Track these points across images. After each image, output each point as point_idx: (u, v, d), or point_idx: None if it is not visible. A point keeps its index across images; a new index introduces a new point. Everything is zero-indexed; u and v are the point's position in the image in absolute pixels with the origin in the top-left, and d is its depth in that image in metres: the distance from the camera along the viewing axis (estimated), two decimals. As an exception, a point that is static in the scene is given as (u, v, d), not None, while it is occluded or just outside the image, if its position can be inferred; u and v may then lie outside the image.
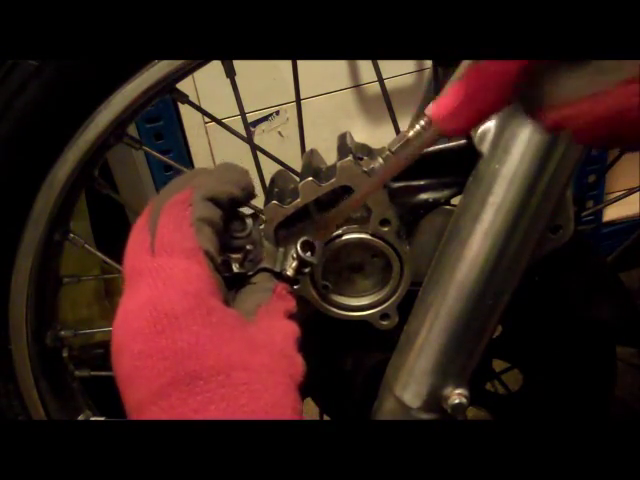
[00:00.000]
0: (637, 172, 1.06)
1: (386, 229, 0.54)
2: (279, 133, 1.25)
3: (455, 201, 0.54)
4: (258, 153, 0.70)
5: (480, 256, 0.48)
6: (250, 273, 0.48)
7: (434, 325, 0.51)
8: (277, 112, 1.23)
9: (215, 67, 0.59)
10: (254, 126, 1.23)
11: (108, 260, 0.68)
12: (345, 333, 0.63)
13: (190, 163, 1.24)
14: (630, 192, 0.72)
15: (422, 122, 0.51)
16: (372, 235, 0.55)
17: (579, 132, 0.36)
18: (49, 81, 0.53)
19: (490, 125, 0.48)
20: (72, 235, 0.64)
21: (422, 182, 0.55)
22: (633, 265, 0.75)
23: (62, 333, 0.67)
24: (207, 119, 1.19)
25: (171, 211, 0.43)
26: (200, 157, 1.24)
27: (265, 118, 1.23)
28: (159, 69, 0.54)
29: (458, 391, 0.51)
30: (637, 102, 0.33)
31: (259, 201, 0.58)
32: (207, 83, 1.12)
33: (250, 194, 0.48)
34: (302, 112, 0.74)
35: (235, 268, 0.47)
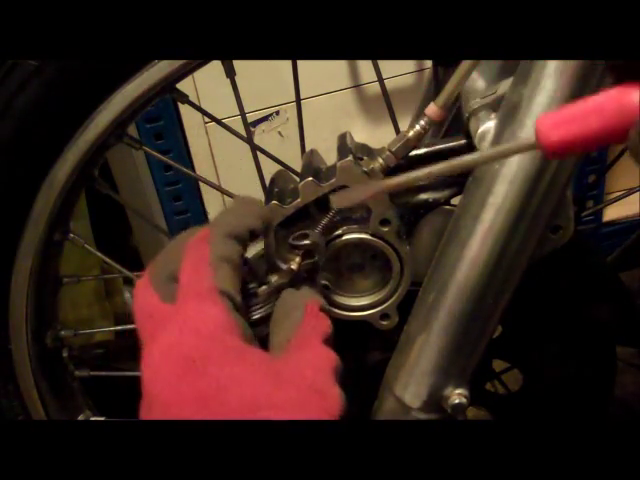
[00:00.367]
0: (637, 172, 1.06)
1: (386, 229, 0.54)
2: (279, 133, 1.25)
3: (455, 201, 0.54)
4: (258, 153, 0.70)
5: (480, 256, 0.48)
6: (266, 292, 0.48)
7: (434, 325, 0.50)
8: (277, 112, 1.23)
9: (215, 67, 0.59)
10: (254, 126, 1.23)
11: (108, 260, 0.68)
12: (345, 333, 0.63)
13: (190, 163, 1.24)
14: (630, 192, 0.72)
15: (422, 122, 0.52)
16: (372, 235, 0.55)
17: None
18: (49, 81, 0.53)
19: (490, 125, 0.48)
20: (72, 235, 0.63)
21: (422, 182, 0.55)
22: (633, 265, 0.75)
23: (62, 333, 0.67)
24: (207, 119, 1.19)
25: (190, 252, 0.43)
26: (200, 157, 1.24)
27: (265, 118, 1.23)
28: (159, 69, 0.54)
29: (458, 391, 0.51)
30: None
31: (259, 201, 0.58)
32: (207, 83, 1.12)
33: (269, 225, 0.48)
34: (302, 112, 0.74)
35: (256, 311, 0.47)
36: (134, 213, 1.18)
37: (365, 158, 0.54)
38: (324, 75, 1.20)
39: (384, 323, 0.59)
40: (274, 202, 0.54)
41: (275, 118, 1.24)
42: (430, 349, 0.51)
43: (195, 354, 0.38)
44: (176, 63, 0.54)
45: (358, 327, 0.59)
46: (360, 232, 0.55)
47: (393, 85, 1.21)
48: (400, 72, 1.22)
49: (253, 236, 0.46)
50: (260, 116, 1.23)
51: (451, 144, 0.53)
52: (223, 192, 0.72)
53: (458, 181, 0.53)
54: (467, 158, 0.34)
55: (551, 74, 0.43)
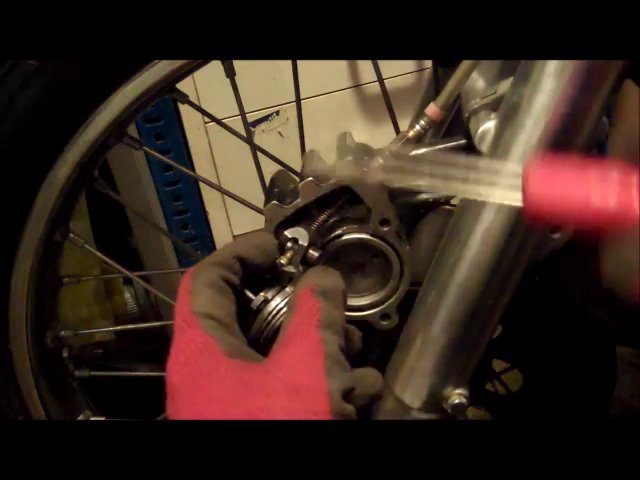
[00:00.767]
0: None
1: (386, 229, 0.54)
2: (279, 133, 1.25)
3: (455, 201, 0.54)
4: (258, 153, 0.70)
5: (480, 256, 0.48)
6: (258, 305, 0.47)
7: (434, 325, 0.50)
8: (277, 112, 1.23)
9: (215, 67, 0.59)
10: (254, 126, 1.23)
11: (108, 260, 0.68)
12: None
13: (190, 163, 1.24)
14: (630, 192, 0.71)
15: (422, 122, 0.52)
16: (372, 235, 0.55)
17: None
18: (49, 81, 0.53)
19: (490, 125, 0.48)
20: (72, 235, 0.63)
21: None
22: (633, 265, 0.75)
23: (62, 333, 0.67)
24: (207, 119, 1.19)
25: (180, 284, 0.44)
26: (200, 157, 1.24)
27: (265, 118, 1.23)
28: (159, 69, 0.54)
29: (458, 391, 0.51)
30: None
31: (259, 201, 0.58)
32: (207, 83, 1.12)
33: (268, 254, 0.48)
34: (302, 112, 0.74)
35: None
36: (134, 213, 1.18)
37: (365, 158, 0.54)
38: (324, 75, 1.20)
39: (384, 323, 0.59)
40: (274, 202, 0.54)
41: (275, 118, 1.24)
42: (430, 349, 0.51)
43: (175, 382, 0.40)
44: (176, 63, 0.54)
45: (358, 327, 0.59)
46: (360, 232, 0.55)
47: (393, 85, 1.21)
48: (400, 72, 1.22)
49: (245, 263, 0.46)
50: (260, 116, 1.23)
51: (451, 144, 0.53)
52: (223, 192, 0.72)
53: (458, 181, 0.53)
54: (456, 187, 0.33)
55: (551, 74, 0.43)
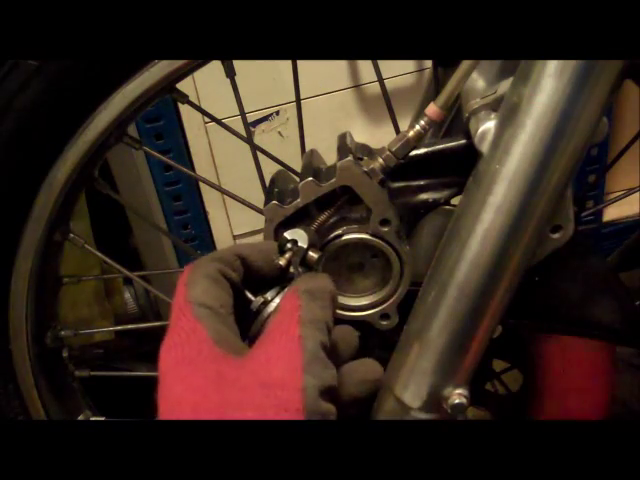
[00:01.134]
0: (637, 172, 1.06)
1: (386, 229, 0.54)
2: (279, 133, 1.25)
3: (455, 201, 0.54)
4: (258, 153, 0.70)
5: (480, 256, 0.48)
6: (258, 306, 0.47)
7: (434, 325, 0.50)
8: (277, 112, 1.23)
9: (215, 67, 0.59)
10: (254, 126, 1.23)
11: (108, 260, 0.68)
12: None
13: (190, 163, 1.24)
14: (630, 192, 0.71)
15: (422, 122, 0.52)
16: (372, 235, 0.55)
17: None
18: (49, 81, 0.53)
19: (490, 125, 0.48)
20: (72, 235, 0.63)
21: (422, 182, 0.55)
22: (633, 265, 0.75)
23: (62, 333, 0.67)
24: (207, 119, 1.19)
25: (180, 278, 0.45)
26: (200, 157, 1.24)
27: (265, 118, 1.23)
28: (159, 69, 0.54)
29: (458, 391, 0.51)
30: None
31: (259, 201, 0.58)
32: (207, 83, 1.12)
33: (270, 257, 0.49)
34: (302, 112, 0.74)
35: None
36: (134, 213, 1.18)
37: (365, 158, 0.54)
38: (324, 75, 1.20)
39: (384, 323, 0.59)
40: (274, 202, 0.54)
41: (275, 118, 1.24)
42: (430, 349, 0.51)
43: (163, 367, 0.41)
44: (176, 63, 0.54)
45: (358, 327, 0.59)
46: (360, 232, 0.55)
47: (393, 85, 1.21)
48: (400, 72, 1.22)
49: (246, 263, 0.47)
50: (260, 116, 1.23)
51: (451, 144, 0.53)
52: (223, 192, 0.72)
53: (458, 181, 0.53)
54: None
55: (551, 74, 0.43)
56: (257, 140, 1.21)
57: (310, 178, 0.53)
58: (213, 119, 0.69)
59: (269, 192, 0.57)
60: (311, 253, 0.50)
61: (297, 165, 0.61)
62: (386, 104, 0.71)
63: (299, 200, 0.53)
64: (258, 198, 0.59)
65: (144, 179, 1.21)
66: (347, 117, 1.26)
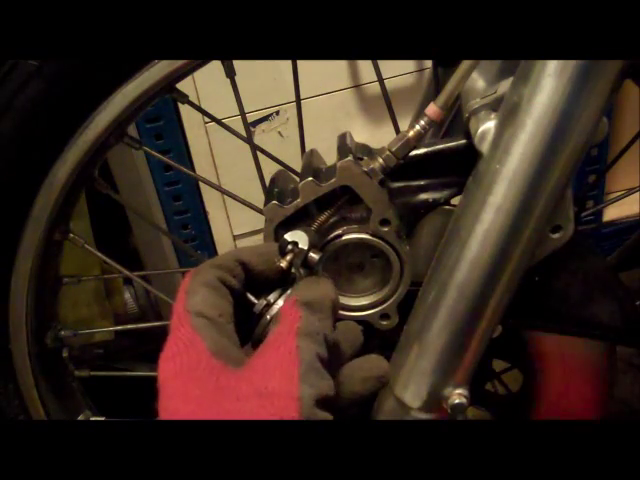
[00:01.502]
0: (637, 172, 1.06)
1: (386, 229, 0.54)
2: (279, 133, 1.25)
3: (455, 201, 0.54)
4: (258, 153, 0.70)
5: (480, 256, 0.48)
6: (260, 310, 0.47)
7: (434, 325, 0.50)
8: (277, 112, 1.23)
9: (215, 67, 0.59)
10: (254, 126, 1.23)
11: (108, 260, 0.68)
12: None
13: (190, 163, 1.24)
14: (630, 192, 0.71)
15: (422, 122, 0.52)
16: (372, 235, 0.55)
17: None
18: (49, 81, 0.53)
19: (490, 125, 0.48)
20: (72, 235, 0.63)
21: (422, 182, 0.55)
22: (633, 265, 0.75)
23: (62, 333, 0.67)
24: (207, 119, 1.19)
25: (181, 284, 0.45)
26: (200, 157, 1.24)
27: (265, 118, 1.23)
28: (159, 69, 0.54)
29: (458, 391, 0.51)
30: None
31: (259, 201, 0.58)
32: (207, 83, 1.12)
33: (272, 261, 0.48)
34: (302, 112, 0.74)
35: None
36: (134, 213, 1.18)
37: (365, 158, 0.54)
38: (324, 75, 1.20)
39: (384, 323, 0.59)
40: (274, 202, 0.54)
41: (275, 118, 1.24)
42: (430, 349, 0.51)
43: (162, 377, 0.41)
44: (176, 63, 0.54)
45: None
46: (360, 232, 0.55)
47: (393, 85, 1.21)
48: (400, 72, 1.22)
49: (247, 269, 0.47)
50: (260, 116, 1.23)
51: (451, 144, 0.53)
52: (223, 192, 0.72)
53: (458, 181, 0.53)
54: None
55: (551, 74, 0.43)
56: (257, 140, 1.21)
57: (310, 178, 0.53)
58: (213, 119, 0.69)
59: (269, 192, 0.57)
60: (312, 254, 0.50)
61: (297, 165, 0.61)
62: (386, 104, 0.71)
63: (299, 200, 0.53)
64: (258, 198, 0.59)
65: (144, 179, 1.21)
66: (347, 117, 1.26)
